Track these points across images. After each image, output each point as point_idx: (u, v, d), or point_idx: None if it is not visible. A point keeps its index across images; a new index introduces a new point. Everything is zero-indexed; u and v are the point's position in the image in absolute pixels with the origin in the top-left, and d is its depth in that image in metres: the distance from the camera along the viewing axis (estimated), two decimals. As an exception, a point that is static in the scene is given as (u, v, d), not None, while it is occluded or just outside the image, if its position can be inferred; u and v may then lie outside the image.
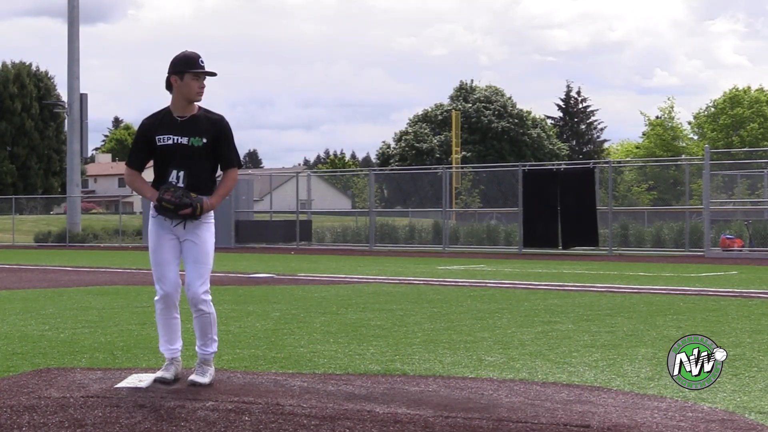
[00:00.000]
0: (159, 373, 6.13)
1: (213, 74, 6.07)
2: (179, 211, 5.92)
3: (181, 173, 5.99)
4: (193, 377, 6.02)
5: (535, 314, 10.74)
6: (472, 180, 41.66)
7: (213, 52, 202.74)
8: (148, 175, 6.06)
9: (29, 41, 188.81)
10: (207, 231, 6.11)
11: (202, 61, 6.04)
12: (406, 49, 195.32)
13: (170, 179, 5.98)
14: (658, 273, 18.73)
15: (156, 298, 6.16)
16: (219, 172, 6.22)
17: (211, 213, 6.14)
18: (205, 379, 5.99)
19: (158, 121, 6.02)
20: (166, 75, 6.04)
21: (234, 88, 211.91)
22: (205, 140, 5.98)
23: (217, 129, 6.03)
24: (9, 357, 7.55)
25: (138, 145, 6.07)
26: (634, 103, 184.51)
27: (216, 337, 6.21)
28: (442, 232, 31.85)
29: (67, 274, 19.28)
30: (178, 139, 5.96)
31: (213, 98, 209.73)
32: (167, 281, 6.09)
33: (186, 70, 5.96)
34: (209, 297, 6.10)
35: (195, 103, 6.06)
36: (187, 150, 5.95)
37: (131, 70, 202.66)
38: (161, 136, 5.97)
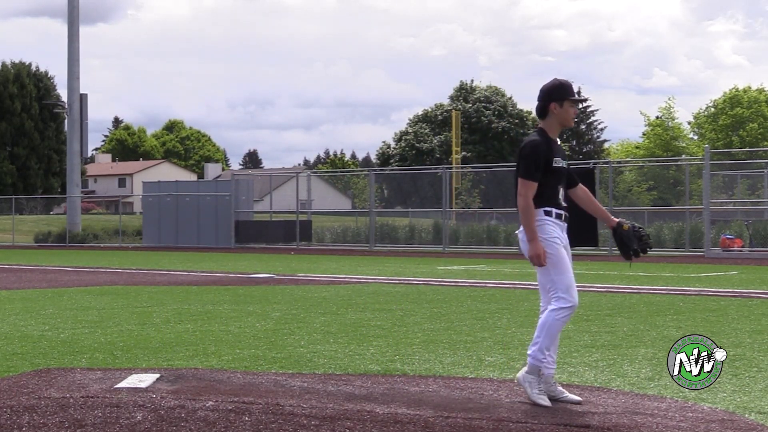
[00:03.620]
0: (541, 399, 5.71)
1: (585, 101, 6.50)
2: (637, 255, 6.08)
3: (562, 192, 6.21)
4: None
5: (535, 314, 10.70)
6: (472, 180, 41.66)
7: (212, 53, 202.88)
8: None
9: (29, 41, 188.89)
10: None
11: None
12: (406, 49, 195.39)
13: (559, 197, 6.17)
14: (658, 273, 18.73)
15: (565, 305, 5.84)
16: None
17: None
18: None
19: (548, 144, 6.08)
20: (541, 101, 6.07)
21: (234, 89, 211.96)
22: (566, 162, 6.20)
23: (563, 151, 6.23)
24: (9, 357, 7.55)
25: (537, 164, 6.02)
26: (633, 103, 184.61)
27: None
28: (442, 232, 31.85)
29: (67, 274, 19.28)
30: (565, 163, 6.14)
31: (213, 98, 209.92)
32: (576, 292, 5.93)
33: (566, 97, 6.04)
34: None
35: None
36: (565, 172, 6.17)
37: (131, 70, 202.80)
38: (556, 158, 6.07)
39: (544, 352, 5.80)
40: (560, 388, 5.84)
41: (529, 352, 5.88)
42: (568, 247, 6.07)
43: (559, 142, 6.18)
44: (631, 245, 6.07)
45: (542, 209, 6.04)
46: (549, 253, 5.91)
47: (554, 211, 6.07)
